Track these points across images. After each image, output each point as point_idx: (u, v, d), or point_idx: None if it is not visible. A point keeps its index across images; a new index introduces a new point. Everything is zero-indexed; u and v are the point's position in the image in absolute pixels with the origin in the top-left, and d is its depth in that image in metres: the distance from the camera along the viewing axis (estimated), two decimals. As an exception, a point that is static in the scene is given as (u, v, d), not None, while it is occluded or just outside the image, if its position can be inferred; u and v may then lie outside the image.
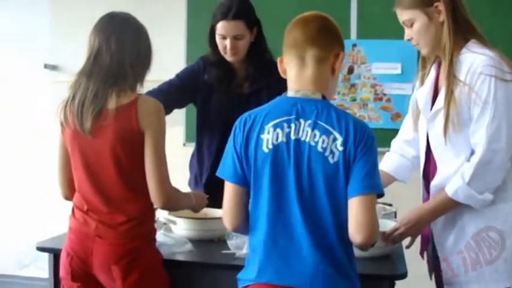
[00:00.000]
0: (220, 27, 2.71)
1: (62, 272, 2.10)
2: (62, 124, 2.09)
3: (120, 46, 2.04)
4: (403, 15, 2.16)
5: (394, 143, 2.53)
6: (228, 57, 2.78)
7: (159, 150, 2.04)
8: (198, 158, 2.97)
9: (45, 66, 4.62)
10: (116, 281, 2.01)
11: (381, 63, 3.95)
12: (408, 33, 2.18)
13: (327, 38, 1.81)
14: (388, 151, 2.57)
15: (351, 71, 4.00)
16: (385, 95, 3.96)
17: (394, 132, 3.81)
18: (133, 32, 2.10)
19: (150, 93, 2.67)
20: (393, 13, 2.20)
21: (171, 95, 2.79)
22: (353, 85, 4.00)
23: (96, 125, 2.01)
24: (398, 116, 3.93)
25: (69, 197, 2.18)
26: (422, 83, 2.29)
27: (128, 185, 2.03)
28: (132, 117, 2.00)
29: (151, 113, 2.03)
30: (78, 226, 2.08)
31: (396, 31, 3.63)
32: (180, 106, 2.97)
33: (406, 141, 2.46)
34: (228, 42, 2.72)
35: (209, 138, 2.89)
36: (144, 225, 2.07)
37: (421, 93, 2.26)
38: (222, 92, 2.84)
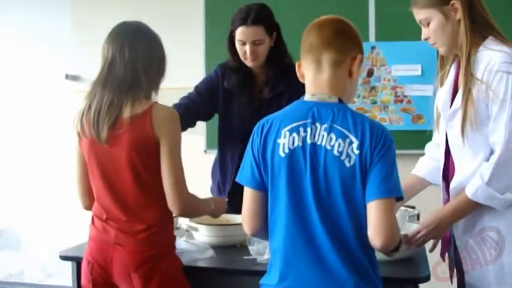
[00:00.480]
0: (240, 32, 2.71)
1: (83, 280, 2.11)
2: (78, 134, 2.10)
3: (134, 55, 2.05)
4: (420, 14, 2.14)
5: (428, 146, 2.50)
6: (248, 62, 2.78)
7: (174, 157, 2.04)
8: (220, 166, 2.97)
9: (67, 76, 4.67)
10: (136, 288, 2.02)
11: (400, 65, 3.93)
12: (425, 32, 2.16)
13: (343, 41, 1.80)
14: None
15: (370, 73, 3.98)
16: (405, 96, 3.93)
17: (415, 134, 3.85)
18: (147, 40, 2.10)
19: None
20: (411, 14, 2.19)
21: (193, 110, 2.82)
22: (373, 88, 3.98)
23: (112, 134, 2.02)
24: (419, 118, 3.90)
25: (89, 207, 2.19)
26: (442, 83, 2.27)
27: (145, 192, 2.04)
28: (147, 125, 2.00)
29: (165, 120, 2.04)
30: (98, 234, 2.09)
31: (415, 32, 3.59)
32: (203, 119, 2.99)
33: (437, 144, 2.44)
34: (247, 47, 2.72)
35: (232, 145, 2.88)
36: (162, 232, 2.08)
37: (441, 93, 2.24)
38: (242, 98, 2.84)
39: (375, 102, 3.98)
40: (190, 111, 2.81)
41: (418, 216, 2.58)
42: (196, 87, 2.93)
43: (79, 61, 4.59)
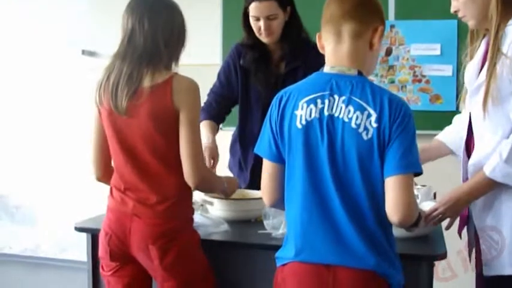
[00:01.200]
0: (253, 8, 2.70)
1: (101, 252, 2.12)
2: (97, 105, 2.09)
3: (154, 25, 2.03)
4: None
5: (456, 116, 2.46)
6: (263, 38, 2.77)
7: (193, 128, 2.02)
8: (241, 142, 2.98)
9: (83, 52, 4.66)
10: (154, 261, 2.02)
11: (419, 45, 3.86)
12: (455, 5, 2.12)
13: (364, 12, 1.77)
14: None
15: (389, 52, 3.93)
16: (424, 76, 3.88)
17: (433, 114, 3.81)
18: (166, 10, 2.08)
19: (203, 109, 2.85)
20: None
21: (222, 102, 2.94)
22: (391, 67, 3.93)
23: (131, 104, 2.00)
24: (437, 98, 3.86)
25: (101, 178, 2.20)
26: (471, 57, 2.22)
27: (163, 163, 2.03)
28: (167, 95, 1.99)
29: (185, 91, 2.02)
30: (116, 205, 2.09)
31: (435, 11, 3.57)
32: (234, 105, 3.03)
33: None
34: (261, 23, 2.71)
35: (252, 122, 2.89)
36: (181, 205, 2.07)
37: (469, 67, 2.20)
38: (258, 75, 2.83)
39: (392, 82, 3.94)
40: (220, 104, 2.94)
41: (434, 195, 2.55)
42: (218, 77, 2.98)
43: (96, 37, 4.58)
